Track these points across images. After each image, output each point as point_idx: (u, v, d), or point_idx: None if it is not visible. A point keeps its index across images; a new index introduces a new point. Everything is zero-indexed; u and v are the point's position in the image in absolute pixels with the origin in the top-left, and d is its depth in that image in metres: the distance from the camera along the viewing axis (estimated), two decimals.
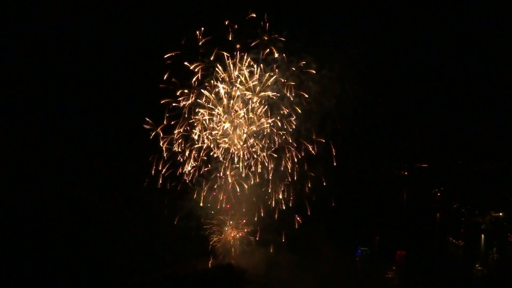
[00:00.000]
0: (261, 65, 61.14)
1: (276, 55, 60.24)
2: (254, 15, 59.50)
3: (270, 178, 65.40)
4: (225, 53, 60.93)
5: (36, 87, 70.17)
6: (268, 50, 60.44)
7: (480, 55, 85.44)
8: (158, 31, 67.56)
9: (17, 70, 68.72)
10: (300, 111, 62.43)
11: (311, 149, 64.20)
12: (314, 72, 61.02)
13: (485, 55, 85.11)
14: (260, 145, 63.84)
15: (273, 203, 66.76)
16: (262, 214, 67.97)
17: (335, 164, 64.08)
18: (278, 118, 63.11)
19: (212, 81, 62.19)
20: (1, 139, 67.46)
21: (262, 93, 62.07)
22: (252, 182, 65.43)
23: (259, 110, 62.79)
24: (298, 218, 74.41)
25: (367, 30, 67.27)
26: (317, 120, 63.04)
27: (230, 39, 60.22)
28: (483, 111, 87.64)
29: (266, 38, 59.81)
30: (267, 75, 61.49)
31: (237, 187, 65.96)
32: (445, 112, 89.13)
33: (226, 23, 60.14)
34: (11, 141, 68.47)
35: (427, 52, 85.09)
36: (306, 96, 62.04)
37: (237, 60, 61.10)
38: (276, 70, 61.34)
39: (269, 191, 66.09)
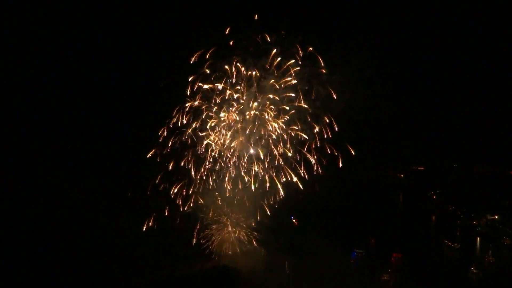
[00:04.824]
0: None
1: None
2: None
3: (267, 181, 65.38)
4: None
5: (41, 89, 70.03)
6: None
7: (476, 59, 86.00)
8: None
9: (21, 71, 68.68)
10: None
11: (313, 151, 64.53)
12: (324, 75, 61.45)
13: (482, 59, 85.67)
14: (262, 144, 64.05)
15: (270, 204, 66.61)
16: (259, 216, 67.81)
17: (340, 166, 64.81)
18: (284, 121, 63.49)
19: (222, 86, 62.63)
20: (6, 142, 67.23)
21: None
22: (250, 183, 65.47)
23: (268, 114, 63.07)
24: (294, 221, 74.36)
25: (367, 38, 67.46)
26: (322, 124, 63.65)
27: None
28: (479, 115, 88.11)
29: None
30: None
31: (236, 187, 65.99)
32: (441, 116, 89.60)
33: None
34: (18, 144, 68.29)
35: (423, 56, 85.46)
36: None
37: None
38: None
39: (267, 193, 66.00)
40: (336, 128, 64.18)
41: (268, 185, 65.64)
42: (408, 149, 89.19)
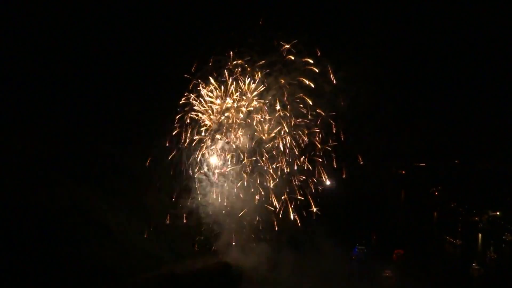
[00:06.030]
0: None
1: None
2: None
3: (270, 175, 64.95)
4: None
5: (37, 85, 69.32)
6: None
7: (478, 54, 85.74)
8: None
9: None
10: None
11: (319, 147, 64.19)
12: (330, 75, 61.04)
13: (484, 54, 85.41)
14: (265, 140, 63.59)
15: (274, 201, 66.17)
16: (262, 212, 67.43)
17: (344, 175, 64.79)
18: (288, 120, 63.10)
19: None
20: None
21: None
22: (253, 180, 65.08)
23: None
24: (296, 217, 73.93)
25: (371, 35, 67.18)
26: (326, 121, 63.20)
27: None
28: (481, 110, 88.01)
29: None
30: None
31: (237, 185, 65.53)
32: (443, 111, 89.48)
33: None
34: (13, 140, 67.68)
35: (424, 52, 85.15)
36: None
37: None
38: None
39: (270, 189, 65.54)
40: (343, 137, 63.67)
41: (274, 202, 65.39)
42: (410, 145, 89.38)
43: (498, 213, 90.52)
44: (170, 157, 65.07)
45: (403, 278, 77.20)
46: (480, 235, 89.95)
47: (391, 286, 76.68)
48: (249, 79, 62.01)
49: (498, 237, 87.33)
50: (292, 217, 65.39)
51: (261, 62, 60.92)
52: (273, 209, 65.63)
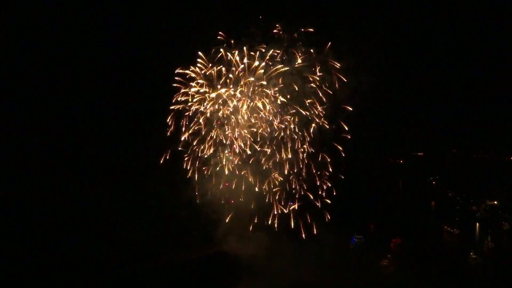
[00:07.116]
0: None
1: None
2: None
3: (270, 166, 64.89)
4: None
5: (38, 79, 69.07)
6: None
7: (475, 46, 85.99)
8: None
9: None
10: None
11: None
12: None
13: (480, 47, 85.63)
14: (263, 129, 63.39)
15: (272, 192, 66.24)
16: (261, 203, 67.47)
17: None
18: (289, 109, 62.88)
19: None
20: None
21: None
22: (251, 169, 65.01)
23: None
24: (294, 206, 74.02)
25: (369, 25, 67.09)
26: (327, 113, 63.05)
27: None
28: (478, 101, 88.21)
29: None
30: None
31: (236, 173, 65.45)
32: (440, 101, 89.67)
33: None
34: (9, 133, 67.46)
35: (421, 42, 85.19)
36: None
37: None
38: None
39: (269, 180, 65.51)
40: (342, 129, 63.53)
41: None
42: (408, 135, 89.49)
43: (495, 202, 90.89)
44: (169, 150, 65.15)
45: (400, 267, 77.45)
46: (477, 224, 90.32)
47: (388, 275, 76.86)
48: (249, 69, 61.71)
49: (497, 227, 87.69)
50: (292, 208, 65.57)
51: (263, 52, 60.54)
52: (273, 201, 66.04)
